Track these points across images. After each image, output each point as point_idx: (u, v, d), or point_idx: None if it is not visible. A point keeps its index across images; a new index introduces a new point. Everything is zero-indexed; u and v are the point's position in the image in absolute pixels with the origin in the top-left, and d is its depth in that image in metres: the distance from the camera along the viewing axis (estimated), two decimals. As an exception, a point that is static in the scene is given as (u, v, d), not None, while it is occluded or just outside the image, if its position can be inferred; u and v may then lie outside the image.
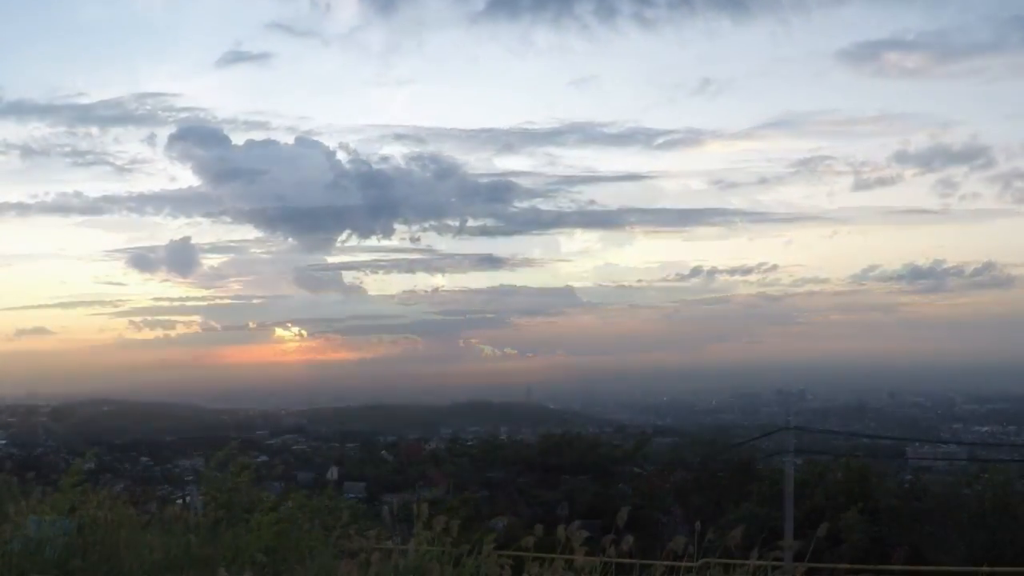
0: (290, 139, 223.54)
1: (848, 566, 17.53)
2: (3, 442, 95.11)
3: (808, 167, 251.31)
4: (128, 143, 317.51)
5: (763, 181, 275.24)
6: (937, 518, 23.60)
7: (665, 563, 5.55)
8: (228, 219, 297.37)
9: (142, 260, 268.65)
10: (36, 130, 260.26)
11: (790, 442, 18.97)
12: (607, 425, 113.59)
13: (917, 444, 75.82)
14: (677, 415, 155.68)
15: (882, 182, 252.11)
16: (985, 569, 15.23)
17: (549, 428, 37.73)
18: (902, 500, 24.28)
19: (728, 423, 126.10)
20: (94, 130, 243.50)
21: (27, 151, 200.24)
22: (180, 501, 14.08)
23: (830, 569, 16.33)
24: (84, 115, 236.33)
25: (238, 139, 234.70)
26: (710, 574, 6.02)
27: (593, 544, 5.78)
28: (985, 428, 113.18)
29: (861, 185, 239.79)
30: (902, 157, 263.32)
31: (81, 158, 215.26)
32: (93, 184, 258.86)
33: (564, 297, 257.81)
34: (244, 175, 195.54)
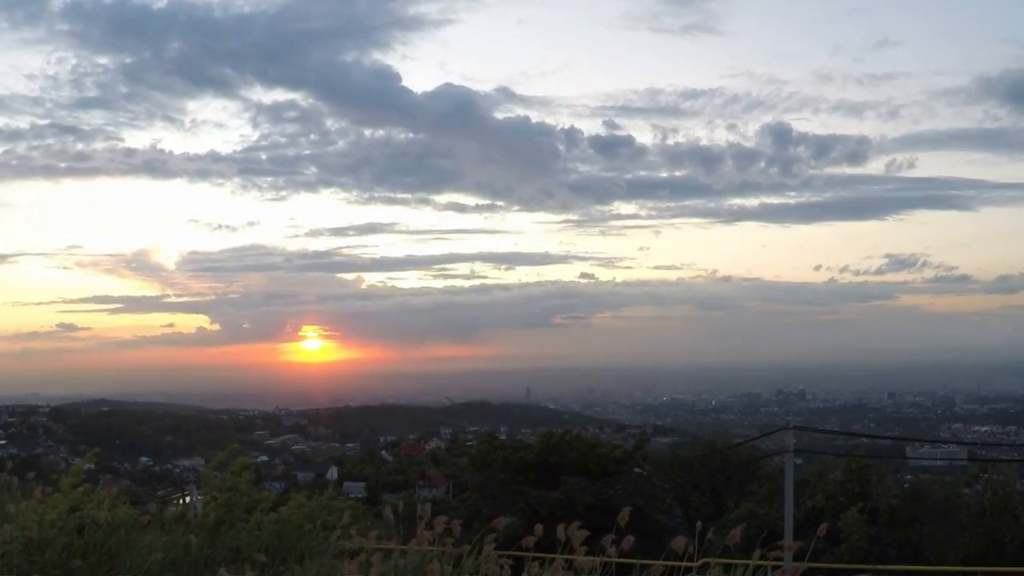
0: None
1: (848, 566, 17.54)
2: (3, 442, 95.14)
3: None
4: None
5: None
6: (937, 518, 23.57)
7: (665, 563, 5.54)
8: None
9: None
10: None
11: (790, 442, 18.91)
12: (607, 425, 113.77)
13: (917, 444, 75.97)
14: (677, 415, 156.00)
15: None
16: (985, 569, 15.27)
17: (549, 428, 37.72)
18: (902, 500, 24.23)
19: (728, 423, 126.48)
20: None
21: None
22: (180, 501, 14.07)
23: (830, 569, 16.36)
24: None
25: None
26: (710, 574, 6.02)
27: (593, 544, 5.77)
28: (985, 428, 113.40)
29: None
30: None
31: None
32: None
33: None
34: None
